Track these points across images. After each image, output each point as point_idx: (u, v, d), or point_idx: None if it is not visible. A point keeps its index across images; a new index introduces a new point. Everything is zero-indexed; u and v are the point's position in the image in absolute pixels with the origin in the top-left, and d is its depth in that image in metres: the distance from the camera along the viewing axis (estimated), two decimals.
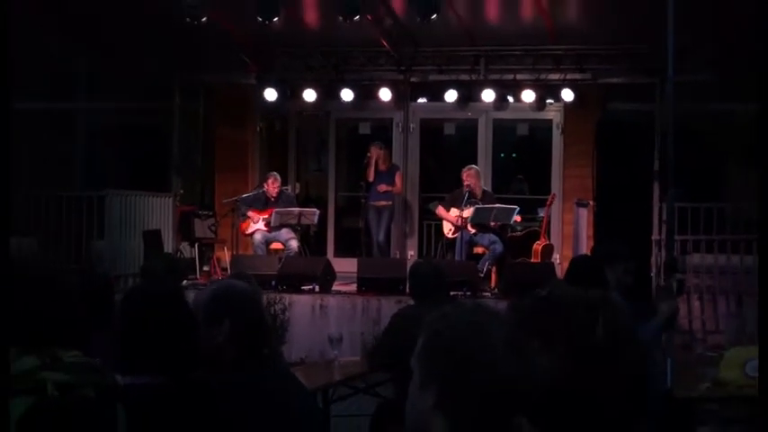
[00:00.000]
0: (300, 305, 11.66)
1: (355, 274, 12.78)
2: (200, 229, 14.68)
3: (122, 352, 3.08)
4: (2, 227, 2.49)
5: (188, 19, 11.27)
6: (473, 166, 13.93)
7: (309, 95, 14.67)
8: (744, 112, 13.15)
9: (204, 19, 11.27)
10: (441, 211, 13.37)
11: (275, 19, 11.42)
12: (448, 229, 13.27)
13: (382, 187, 14.09)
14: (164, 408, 2.89)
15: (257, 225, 13.86)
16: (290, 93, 14.70)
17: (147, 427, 2.69)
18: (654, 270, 11.19)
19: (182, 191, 15.53)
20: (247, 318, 3.35)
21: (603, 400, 4.05)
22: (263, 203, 14.00)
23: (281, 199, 14.08)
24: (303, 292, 12.21)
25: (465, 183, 13.36)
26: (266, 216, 13.81)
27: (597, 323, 4.39)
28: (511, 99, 14.38)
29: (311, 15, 12.46)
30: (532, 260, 13.06)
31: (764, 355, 3.13)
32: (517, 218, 13.11)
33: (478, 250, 12.95)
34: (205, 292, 3.57)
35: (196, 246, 14.51)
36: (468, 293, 11.37)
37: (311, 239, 14.54)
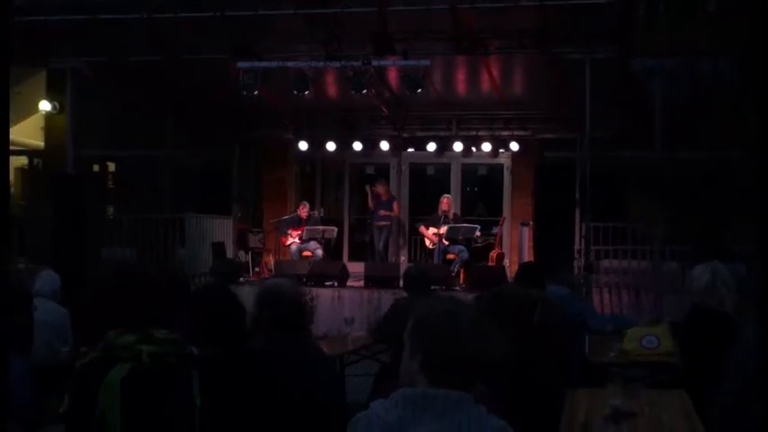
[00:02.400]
0: (324, 296, 11.63)
1: (363, 274, 12.77)
2: (253, 241, 14.71)
3: (196, 330, 3.08)
4: (2, 227, 2.42)
5: (244, 92, 11.28)
6: (448, 195, 13.95)
7: (330, 146, 14.67)
8: (639, 157, 13.16)
9: (255, 92, 11.27)
10: (422, 229, 13.40)
11: (306, 92, 11.43)
12: (429, 242, 13.28)
13: (383, 212, 14.09)
14: (226, 370, 2.90)
15: (293, 239, 13.87)
16: (316, 144, 14.73)
17: (213, 384, 2.69)
18: (576, 271, 11.15)
19: (239, 214, 15.53)
20: (287, 305, 3.35)
21: (539, 367, 4.07)
22: (297, 223, 14.01)
23: (310, 220, 14.08)
24: (326, 286, 12.17)
25: (442, 208, 13.35)
26: (299, 232, 13.83)
27: (535, 313, 4.42)
28: (474, 149, 14.37)
29: (332, 90, 12.48)
30: (489, 264, 13.04)
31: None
32: (478, 234, 13.10)
33: (451, 256, 12.91)
34: (260, 287, 3.57)
35: (249, 253, 14.51)
36: (444, 288, 11.35)
37: (332, 248, 14.49)
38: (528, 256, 12.34)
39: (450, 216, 13.29)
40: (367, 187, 14.47)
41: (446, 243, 12.96)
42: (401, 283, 7.97)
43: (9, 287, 3.70)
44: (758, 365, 3.56)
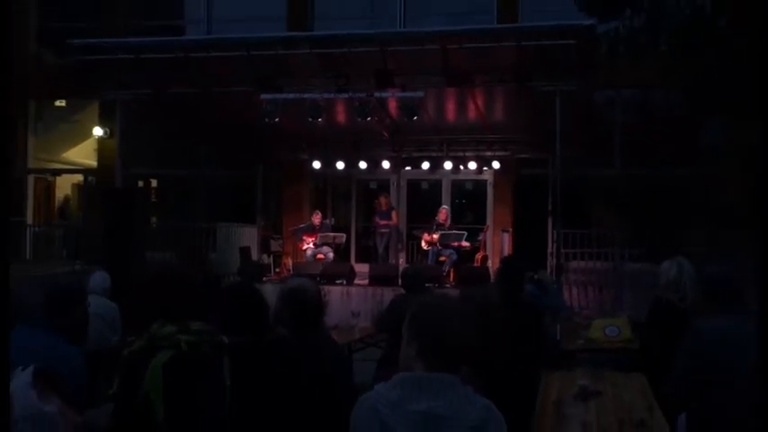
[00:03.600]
0: (334, 293, 11.58)
1: (368, 274, 12.73)
2: (274, 246, 14.71)
3: (227, 321, 3.07)
4: (2, 228, 2.37)
5: (267, 120, 11.29)
6: (446, 206, 13.99)
7: (340, 165, 14.66)
8: (601, 174, 13.18)
9: (276, 120, 11.28)
10: (425, 235, 13.33)
11: (319, 120, 11.43)
12: (425, 244, 13.27)
13: (384, 221, 14.10)
14: (252, 356, 2.89)
15: (308, 244, 13.83)
16: (328, 164, 14.71)
17: (241, 369, 2.69)
18: (549, 270, 11.15)
19: (263, 223, 15.57)
20: (307, 302, 3.34)
21: (517, 352, 4.05)
22: (311, 230, 13.96)
23: (322, 227, 14.07)
24: (336, 284, 12.13)
25: (440, 218, 13.35)
26: (314, 238, 13.79)
27: (515, 307, 4.40)
28: (461, 167, 14.36)
29: (341, 116, 12.48)
30: (475, 265, 13.01)
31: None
32: (465, 243, 13.07)
33: (442, 258, 12.89)
34: (284, 285, 3.56)
35: (271, 256, 14.50)
36: (437, 286, 11.31)
37: (341, 252, 14.47)
38: None
39: (446, 224, 13.30)
40: (381, 198, 14.47)
41: (439, 247, 12.97)
42: (400, 281, 7.97)
43: (69, 286, 3.69)
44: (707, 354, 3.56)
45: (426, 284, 7.72)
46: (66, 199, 18.14)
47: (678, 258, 4.60)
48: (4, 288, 2.33)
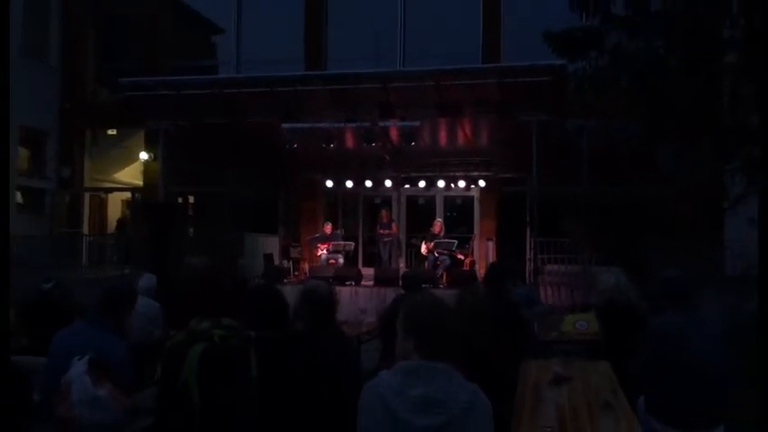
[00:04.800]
0: (344, 292, 11.49)
1: (373, 276, 12.73)
2: (293, 253, 14.65)
3: (252, 318, 3.07)
4: (2, 231, 2.26)
5: (287, 146, 11.34)
6: (440, 219, 13.98)
7: (349, 184, 14.69)
8: (571, 191, 13.15)
9: (295, 146, 11.33)
10: (424, 244, 13.31)
11: (331, 145, 11.48)
12: (424, 250, 13.25)
13: (385, 231, 14.08)
14: (275, 349, 2.88)
15: (322, 251, 13.82)
16: (338, 182, 14.74)
17: (265, 359, 2.68)
18: (527, 273, 11.13)
19: (283, 233, 15.53)
20: (320, 299, 3.33)
21: (500, 343, 4.02)
22: (324, 239, 13.96)
23: (334, 237, 14.06)
24: (346, 285, 12.09)
25: (435, 229, 13.34)
26: (327, 246, 13.78)
27: (499, 305, 4.38)
28: (452, 185, 14.38)
29: (349, 142, 12.51)
30: (464, 269, 12.97)
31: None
32: (458, 255, 13.04)
33: (437, 263, 12.90)
34: (303, 286, 3.54)
35: (291, 262, 14.45)
36: (432, 286, 11.29)
37: (350, 258, 14.44)
38: None
39: (440, 235, 13.29)
40: (383, 212, 14.47)
41: (434, 253, 12.95)
42: (400, 282, 7.95)
43: (121, 289, 3.69)
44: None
45: (423, 285, 7.71)
46: (124, 214, 18.19)
47: (613, 270, 4.65)
48: (4, 288, 2.26)
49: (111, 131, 17.46)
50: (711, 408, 3.50)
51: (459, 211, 16.00)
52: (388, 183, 14.64)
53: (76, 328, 3.52)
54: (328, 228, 14.18)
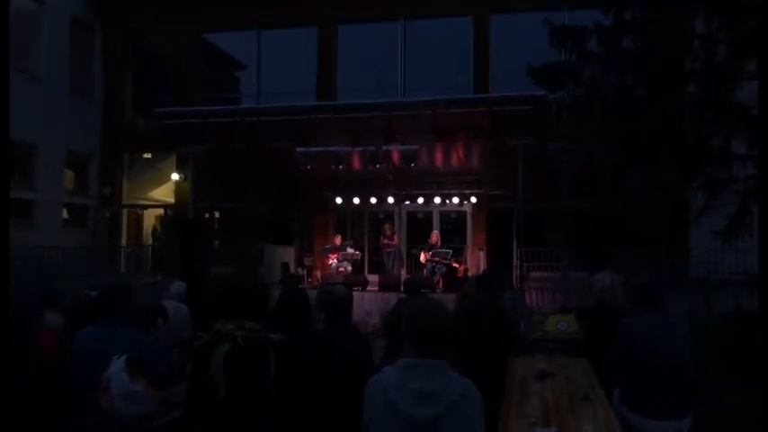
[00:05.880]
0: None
1: (377, 282, 12.69)
2: (307, 261, 14.64)
3: (272, 322, 3.06)
4: (2, 233, 2.15)
5: (301, 167, 11.36)
6: (436, 231, 13.95)
7: (356, 200, 14.66)
8: (552, 206, 13.14)
9: (308, 167, 11.35)
10: (422, 254, 13.29)
11: (340, 167, 11.50)
12: (422, 259, 13.21)
13: (388, 242, 14.04)
14: (293, 350, 2.86)
15: (333, 260, 13.78)
16: (347, 200, 14.71)
17: (285, 360, 2.67)
18: (514, 279, 11.08)
19: (298, 244, 15.50)
20: (335, 303, 3.32)
21: (492, 342, 4.00)
22: (334, 249, 13.93)
23: (343, 247, 14.01)
24: (354, 290, 12.01)
25: (432, 240, 13.32)
26: (337, 255, 13.75)
27: (492, 308, 4.35)
28: (447, 201, 14.37)
29: (356, 164, 12.51)
30: (459, 275, 12.90)
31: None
32: (453, 263, 13.01)
33: (434, 271, 12.87)
34: (321, 290, 3.52)
35: (305, 269, 14.43)
36: (430, 291, 11.27)
37: (357, 266, 14.41)
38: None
39: (437, 245, 13.26)
40: (386, 225, 14.41)
41: (432, 261, 12.92)
42: (401, 287, 7.93)
43: (154, 304, 3.70)
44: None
45: (422, 290, 7.69)
46: (155, 227, 18.26)
47: (608, 271, 4.60)
48: (3, 287, 2.21)
49: (147, 155, 17.54)
50: (680, 399, 3.48)
51: (453, 224, 15.99)
52: (391, 199, 14.62)
53: (115, 330, 3.50)
54: (338, 239, 14.17)
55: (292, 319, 3.01)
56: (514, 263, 11.51)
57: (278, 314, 3.04)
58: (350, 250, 14.07)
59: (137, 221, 17.87)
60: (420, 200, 14.48)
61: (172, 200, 16.83)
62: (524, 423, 2.90)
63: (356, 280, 12.74)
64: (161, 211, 17.86)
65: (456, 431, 2.07)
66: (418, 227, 15.55)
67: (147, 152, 17.39)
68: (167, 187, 17.30)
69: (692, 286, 10.65)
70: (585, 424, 2.83)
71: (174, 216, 16.38)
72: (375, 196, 14.58)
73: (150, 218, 18.22)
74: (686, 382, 3.50)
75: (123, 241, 17.01)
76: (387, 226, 14.34)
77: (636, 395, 3.51)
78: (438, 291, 12.06)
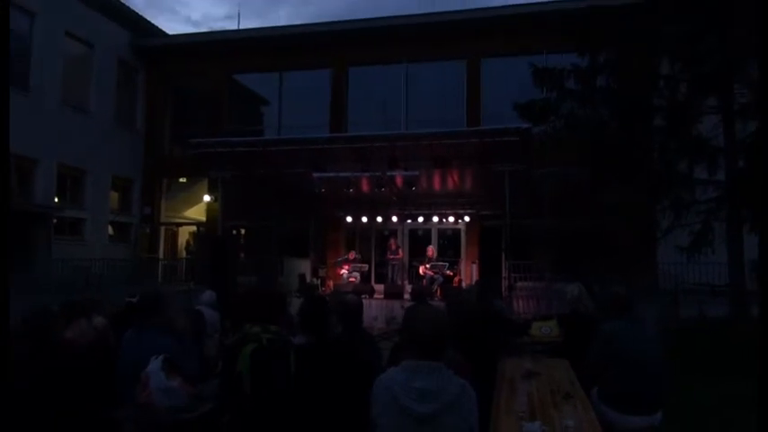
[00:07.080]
0: None
1: (383, 291, 12.61)
2: (321, 272, 14.60)
3: (292, 325, 3.04)
4: (2, 234, 1.96)
5: (316, 190, 11.39)
6: (432, 246, 13.90)
7: (364, 219, 14.64)
8: (537, 224, 13.12)
9: (323, 190, 11.37)
10: (422, 267, 13.22)
11: (350, 190, 11.52)
12: (421, 270, 13.15)
13: (393, 256, 14.00)
14: (313, 353, 2.83)
15: (344, 271, 13.75)
16: (356, 219, 14.68)
17: (304, 362, 2.64)
18: (503, 289, 11.02)
19: (313, 257, 15.42)
20: (349, 309, 3.31)
21: (485, 341, 3.96)
22: (345, 262, 13.90)
23: (353, 260, 13.99)
24: (362, 298, 11.94)
25: (429, 254, 13.27)
26: (347, 267, 13.71)
27: (482, 310, 4.31)
28: (444, 220, 14.34)
29: (365, 188, 12.53)
30: (454, 285, 12.86)
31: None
32: (448, 273, 12.95)
33: (433, 281, 12.80)
34: (337, 297, 3.49)
35: (319, 279, 14.36)
36: (428, 299, 11.17)
37: (365, 276, 14.36)
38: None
39: (434, 258, 13.22)
40: (391, 240, 14.38)
41: (430, 273, 12.86)
42: (405, 296, 7.91)
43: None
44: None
45: (425, 298, 7.66)
46: (189, 242, 18.30)
47: (576, 283, 4.59)
48: (3, 288, 2.12)
49: (182, 179, 17.67)
50: (651, 395, 3.45)
51: (449, 240, 15.95)
52: (395, 218, 14.60)
53: (153, 334, 3.49)
54: (352, 254, 14.11)
55: (315, 323, 2.98)
56: (503, 274, 11.46)
57: (301, 318, 3.02)
58: (359, 263, 14.01)
59: (173, 237, 17.94)
60: (420, 219, 14.45)
61: (203, 218, 16.90)
62: (513, 418, 2.88)
63: (364, 289, 12.67)
64: (194, 228, 17.92)
65: (453, 425, 2.07)
66: (418, 242, 15.52)
67: (183, 177, 17.52)
68: (200, 207, 17.37)
69: (660, 295, 10.58)
70: (567, 419, 2.81)
71: (205, 233, 16.43)
72: (381, 215, 14.56)
73: (184, 234, 18.29)
74: (656, 380, 3.47)
75: (161, 254, 17.07)
76: (392, 242, 14.30)
77: (612, 393, 3.48)
78: (436, 299, 11.99)
